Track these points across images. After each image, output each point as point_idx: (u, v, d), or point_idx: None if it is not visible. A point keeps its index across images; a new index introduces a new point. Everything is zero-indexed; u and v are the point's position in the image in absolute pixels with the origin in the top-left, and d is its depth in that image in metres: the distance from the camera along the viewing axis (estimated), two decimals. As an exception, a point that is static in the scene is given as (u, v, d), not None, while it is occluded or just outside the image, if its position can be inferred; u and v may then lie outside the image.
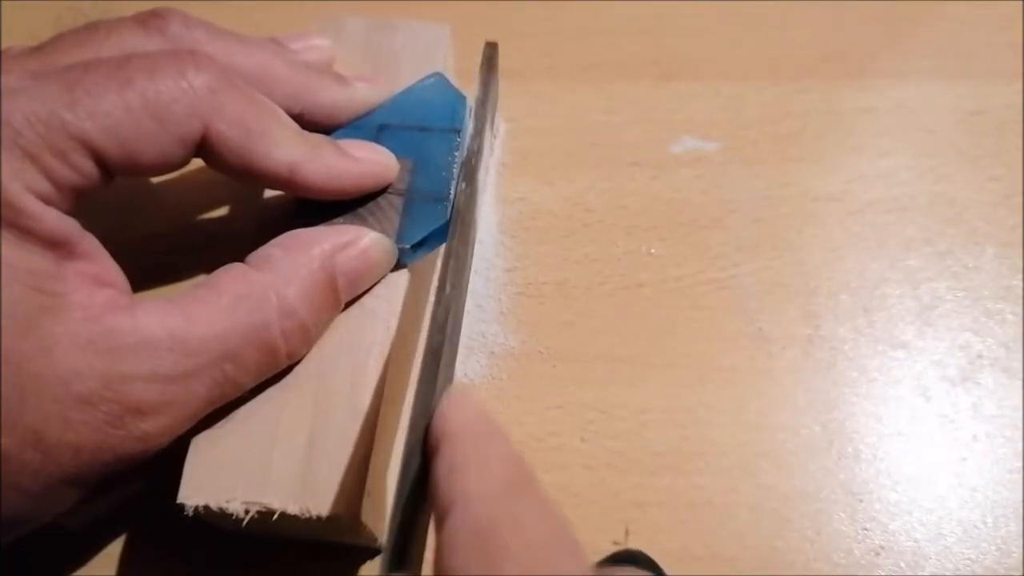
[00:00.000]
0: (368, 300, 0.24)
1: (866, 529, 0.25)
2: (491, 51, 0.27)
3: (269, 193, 0.26)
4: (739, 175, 0.31)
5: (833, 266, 0.29)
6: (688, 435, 0.26)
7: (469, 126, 0.26)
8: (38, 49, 0.21)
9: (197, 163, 0.22)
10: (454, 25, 0.29)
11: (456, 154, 0.25)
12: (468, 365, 0.28)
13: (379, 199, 0.24)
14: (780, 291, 0.29)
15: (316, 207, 0.24)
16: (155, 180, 0.28)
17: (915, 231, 0.30)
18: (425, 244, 0.24)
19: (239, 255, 0.22)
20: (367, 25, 0.28)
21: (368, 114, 0.26)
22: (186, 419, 0.20)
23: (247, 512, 0.21)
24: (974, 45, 0.34)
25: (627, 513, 0.25)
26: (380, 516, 0.23)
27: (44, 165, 0.19)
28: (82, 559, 0.25)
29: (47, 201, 0.19)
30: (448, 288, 0.21)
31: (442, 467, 0.17)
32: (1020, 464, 0.26)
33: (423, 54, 0.28)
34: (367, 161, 0.24)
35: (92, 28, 0.22)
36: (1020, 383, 0.27)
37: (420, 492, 0.18)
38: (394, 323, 0.23)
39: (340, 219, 0.24)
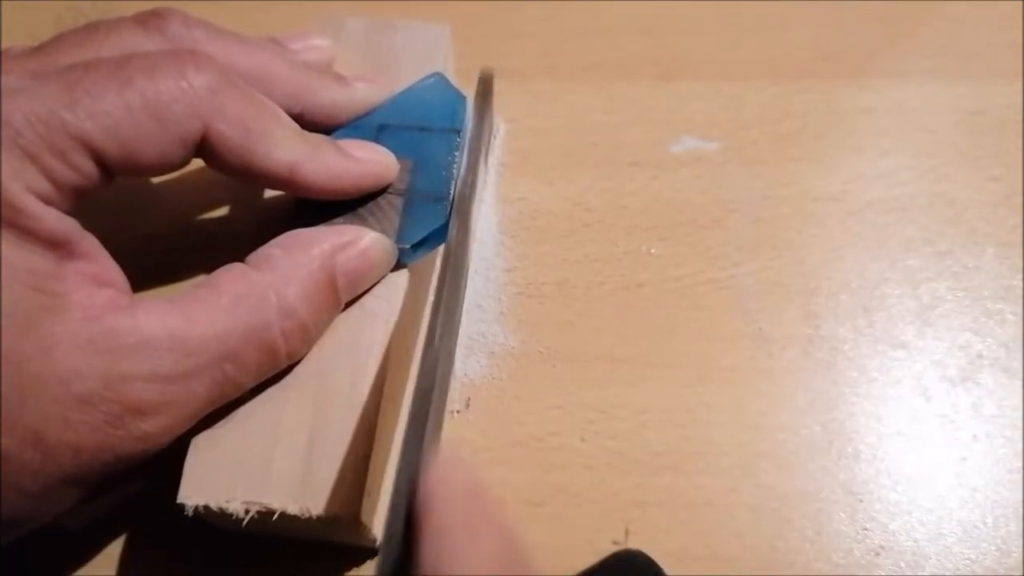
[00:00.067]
0: (368, 300, 0.24)
1: (866, 529, 0.25)
2: (486, 83, 0.26)
3: (269, 193, 0.26)
4: (739, 175, 0.31)
5: (833, 266, 0.29)
6: (688, 435, 0.26)
7: (462, 161, 0.25)
8: (38, 49, 0.21)
9: (197, 163, 0.22)
10: (454, 25, 0.29)
11: (456, 154, 0.25)
12: (468, 365, 0.28)
13: (379, 199, 0.24)
14: (780, 291, 0.29)
15: (316, 207, 0.24)
16: (155, 180, 0.28)
17: (915, 231, 0.30)
18: (425, 244, 0.24)
19: (239, 255, 0.22)
20: (367, 25, 0.28)
21: (368, 114, 0.26)
22: (186, 419, 0.20)
23: (247, 512, 0.21)
24: (974, 45, 0.34)
25: (627, 513, 0.25)
26: (380, 516, 0.23)
27: (44, 165, 0.19)
28: (82, 559, 0.25)
29: (47, 201, 0.19)
30: (438, 337, 0.20)
31: (429, 542, 0.16)
32: (1020, 464, 0.26)
33: (423, 54, 0.28)
34: (367, 161, 0.24)
35: (92, 28, 0.22)
36: (1020, 383, 0.27)
37: (404, 563, 0.17)
38: (394, 323, 0.23)
39: (340, 219, 0.24)
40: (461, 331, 0.28)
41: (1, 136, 0.18)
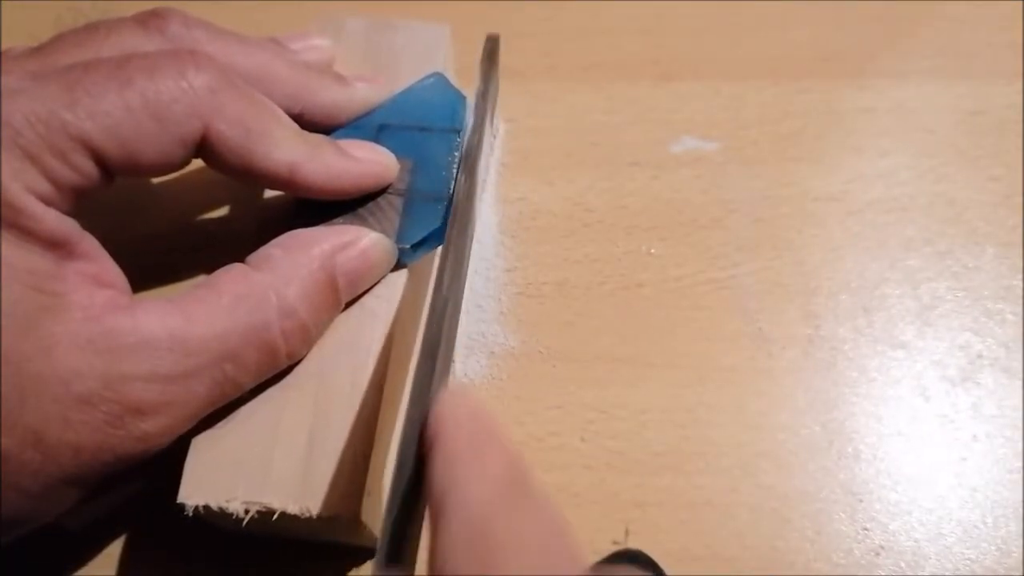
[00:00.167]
0: (368, 300, 0.24)
1: (866, 529, 0.25)
2: (492, 44, 0.27)
3: (269, 193, 0.26)
4: (739, 175, 0.31)
5: (833, 266, 0.29)
6: (688, 435, 0.26)
7: (469, 120, 0.26)
8: (38, 49, 0.21)
9: (197, 163, 0.22)
10: (454, 25, 0.29)
11: (456, 154, 0.25)
12: (468, 365, 0.28)
13: (379, 199, 0.24)
14: (780, 291, 0.29)
15: (316, 207, 0.24)
16: (155, 180, 0.28)
17: (915, 231, 0.30)
18: (425, 244, 0.24)
19: (239, 255, 0.22)
20: (367, 25, 0.28)
21: (368, 114, 0.26)
22: (186, 419, 0.20)
23: (247, 512, 0.21)
24: (974, 45, 0.34)
25: (627, 513, 0.25)
26: (380, 516, 0.23)
27: (44, 165, 0.19)
28: (82, 559, 0.25)
29: (47, 201, 0.19)
30: (446, 281, 0.21)
31: (437, 466, 0.17)
32: (1020, 464, 0.26)
33: (423, 54, 0.28)
34: (367, 161, 0.24)
35: (92, 28, 0.22)
36: (1020, 383, 0.27)
37: (415, 489, 0.18)
38: (393, 323, 0.23)
39: (340, 219, 0.24)
40: (461, 331, 0.28)
41: (1, 136, 0.18)
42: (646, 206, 0.31)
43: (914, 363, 0.28)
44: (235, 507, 0.21)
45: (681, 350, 0.28)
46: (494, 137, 0.32)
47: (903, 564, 0.25)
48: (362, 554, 0.24)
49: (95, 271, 0.20)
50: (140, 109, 0.20)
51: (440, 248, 0.24)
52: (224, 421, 0.22)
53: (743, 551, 0.25)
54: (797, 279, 0.29)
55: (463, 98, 0.27)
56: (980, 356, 0.28)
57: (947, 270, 0.29)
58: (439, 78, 0.27)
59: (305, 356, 0.23)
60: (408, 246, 0.24)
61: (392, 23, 0.28)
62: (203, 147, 0.21)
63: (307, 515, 0.20)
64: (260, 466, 0.21)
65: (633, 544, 0.25)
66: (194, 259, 0.28)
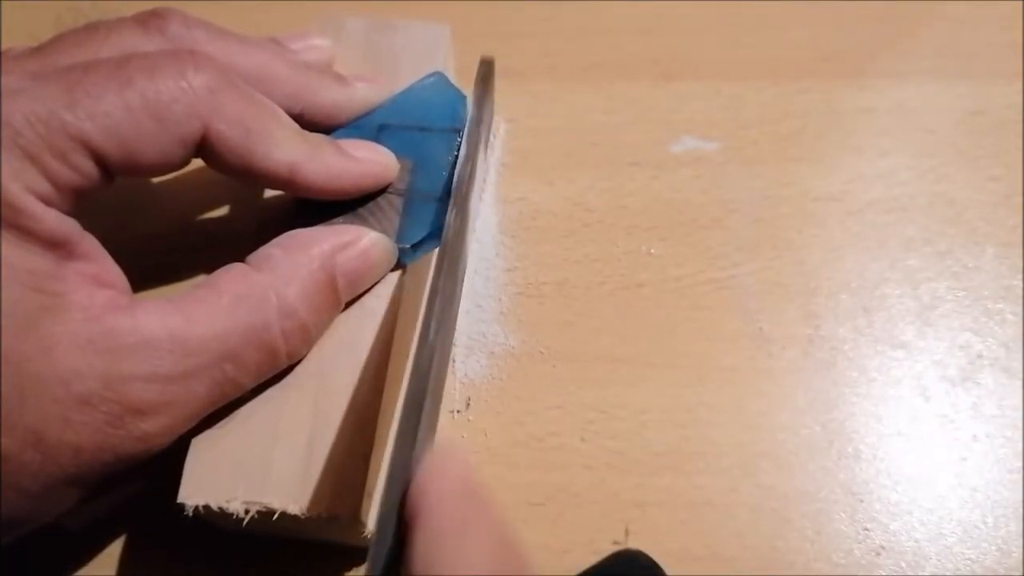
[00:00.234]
0: (368, 300, 0.24)
1: (866, 529, 0.25)
2: (487, 68, 0.26)
3: (269, 193, 0.26)
4: (739, 175, 0.31)
5: (833, 266, 0.29)
6: (688, 435, 0.26)
7: (462, 149, 0.25)
8: (38, 49, 0.21)
9: (197, 163, 0.22)
10: (454, 25, 0.29)
11: (456, 154, 0.25)
12: (468, 365, 0.28)
13: (379, 199, 0.24)
14: (780, 291, 0.29)
15: (316, 207, 0.24)
16: (155, 180, 0.28)
17: (915, 231, 0.30)
18: (425, 243, 0.24)
19: (239, 255, 0.22)
20: (367, 25, 0.28)
21: (368, 114, 0.26)
22: (186, 419, 0.20)
23: (247, 512, 0.21)
24: (974, 45, 0.34)
25: (627, 513, 0.25)
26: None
27: (44, 165, 0.19)
28: (82, 559, 0.25)
29: (47, 201, 0.19)
30: (433, 328, 0.20)
31: (419, 544, 0.16)
32: (1020, 464, 0.26)
33: (423, 54, 0.28)
34: (367, 161, 0.24)
35: (92, 28, 0.22)
36: (1020, 383, 0.27)
37: (396, 559, 0.17)
38: (393, 322, 0.23)
39: (340, 219, 0.24)
40: (461, 331, 0.28)
41: (1, 136, 0.18)
42: (646, 206, 0.31)
43: (914, 363, 0.28)
44: (235, 507, 0.21)
45: (681, 350, 0.28)
46: (494, 137, 0.32)
47: (903, 564, 0.25)
48: (362, 554, 0.24)
49: (95, 271, 0.20)
50: (140, 109, 0.20)
51: (427, 293, 0.23)
52: (224, 421, 0.22)
53: (743, 551, 0.25)
54: (797, 279, 0.29)
55: (463, 98, 0.27)
56: (980, 356, 0.28)
57: (947, 270, 0.29)
58: (439, 78, 0.27)
59: (305, 356, 0.23)
60: (408, 246, 0.24)
61: (392, 23, 0.28)
62: (203, 147, 0.21)
63: (307, 515, 0.20)
64: (260, 466, 0.21)
65: (633, 544, 0.25)
66: (194, 259, 0.28)
